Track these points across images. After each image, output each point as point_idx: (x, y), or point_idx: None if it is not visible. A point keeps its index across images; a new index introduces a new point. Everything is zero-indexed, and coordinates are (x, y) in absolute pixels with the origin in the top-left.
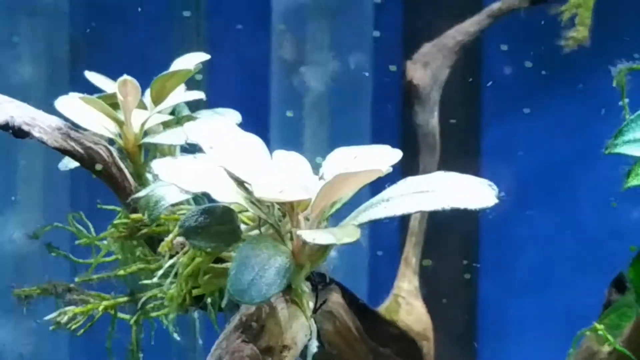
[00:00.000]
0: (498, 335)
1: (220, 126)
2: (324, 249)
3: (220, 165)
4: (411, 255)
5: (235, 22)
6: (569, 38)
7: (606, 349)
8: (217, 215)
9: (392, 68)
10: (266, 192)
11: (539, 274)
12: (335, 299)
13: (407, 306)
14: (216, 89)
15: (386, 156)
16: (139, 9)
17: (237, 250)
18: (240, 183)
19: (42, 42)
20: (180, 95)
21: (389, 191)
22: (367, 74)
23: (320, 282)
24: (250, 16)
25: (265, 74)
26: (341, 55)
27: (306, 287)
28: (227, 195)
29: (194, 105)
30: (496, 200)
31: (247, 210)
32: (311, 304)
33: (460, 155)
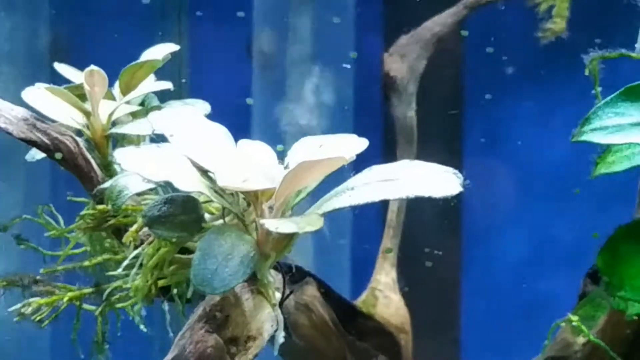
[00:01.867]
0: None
1: (184, 115)
2: (289, 238)
3: (184, 154)
4: (389, 248)
5: (216, 16)
6: (547, 30)
7: (581, 340)
8: (181, 204)
9: (353, 55)
10: (229, 181)
11: (523, 267)
12: (311, 292)
13: (385, 299)
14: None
15: (352, 145)
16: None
17: (201, 240)
18: (204, 172)
19: (21, 39)
20: (149, 85)
21: (354, 180)
22: (348, 66)
23: (288, 273)
24: (230, 8)
25: (247, 67)
26: (322, 47)
27: (273, 277)
28: (190, 184)
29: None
30: (461, 189)
31: (212, 201)
32: (278, 295)
33: (441, 148)
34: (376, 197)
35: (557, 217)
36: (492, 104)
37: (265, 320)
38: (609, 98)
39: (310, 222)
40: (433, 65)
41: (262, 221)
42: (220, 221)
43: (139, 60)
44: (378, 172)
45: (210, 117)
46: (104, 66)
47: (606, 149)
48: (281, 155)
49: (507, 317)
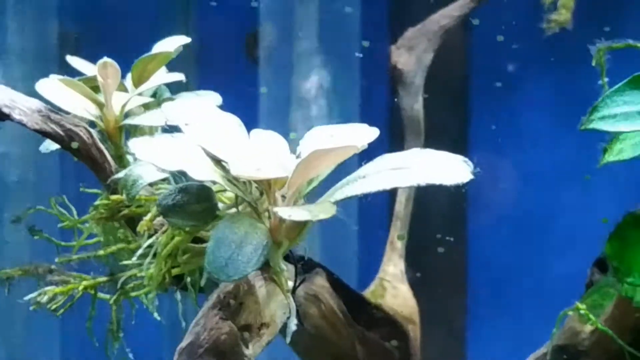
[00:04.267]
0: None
1: (197, 106)
2: (302, 226)
3: (198, 144)
4: (396, 239)
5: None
6: (552, 21)
7: (588, 328)
8: (195, 193)
9: (365, 44)
10: (243, 170)
11: (529, 254)
12: (321, 282)
13: (393, 290)
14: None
15: (362, 134)
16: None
17: (215, 229)
18: (217, 161)
19: (31, 33)
20: (161, 77)
21: (365, 168)
22: (360, 55)
23: (300, 261)
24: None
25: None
26: (329, 38)
27: (285, 265)
28: (204, 173)
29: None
30: (471, 176)
31: (225, 190)
32: (290, 283)
33: (447, 141)
34: (388, 185)
35: (564, 206)
36: (499, 94)
37: (278, 308)
38: (617, 86)
39: (323, 210)
40: (439, 57)
41: (275, 209)
42: (234, 210)
43: (151, 53)
44: (389, 160)
45: (221, 108)
46: (114, 59)
47: (614, 137)
48: (292, 144)
49: (514, 305)
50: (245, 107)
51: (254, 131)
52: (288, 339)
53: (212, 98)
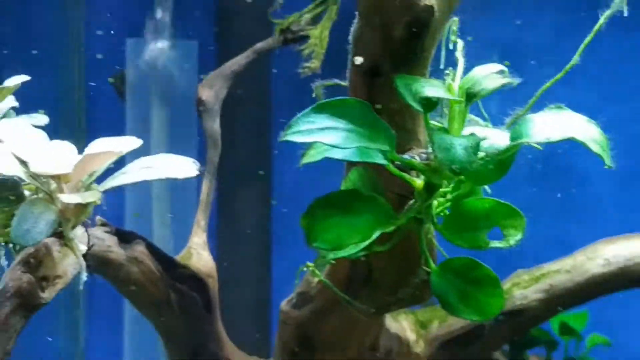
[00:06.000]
0: None
1: (15, 124)
2: (83, 207)
3: (10, 151)
4: (201, 219)
5: None
6: (305, 67)
7: (316, 280)
8: (8, 185)
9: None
10: (40, 168)
11: None
12: (141, 249)
13: (197, 255)
14: None
15: (127, 143)
16: None
17: (19, 209)
18: (23, 162)
19: None
20: (7, 104)
21: (128, 166)
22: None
23: (115, 234)
24: None
25: None
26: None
27: (93, 236)
28: (12, 170)
29: None
30: (197, 172)
31: (29, 183)
32: (85, 247)
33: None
34: (139, 179)
35: None
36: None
37: (70, 265)
38: (305, 111)
39: (92, 195)
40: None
41: (59, 195)
42: (35, 196)
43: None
44: (143, 161)
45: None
46: None
47: (309, 146)
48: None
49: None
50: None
51: (54, 141)
52: (81, 287)
53: (40, 118)
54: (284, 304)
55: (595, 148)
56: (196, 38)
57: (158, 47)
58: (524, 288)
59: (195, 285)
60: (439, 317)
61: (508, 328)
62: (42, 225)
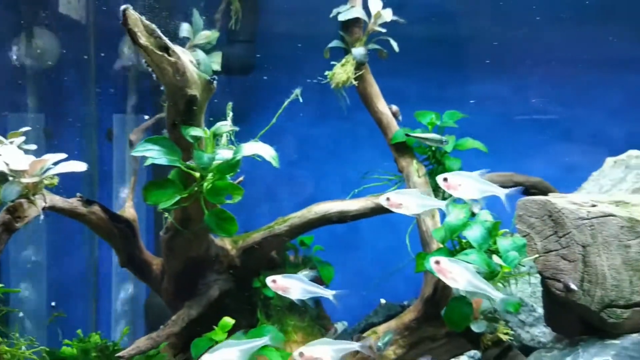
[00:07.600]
0: None
1: (8, 147)
2: (37, 184)
3: (2, 160)
4: (131, 195)
5: None
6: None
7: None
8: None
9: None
10: (15, 166)
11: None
12: (97, 207)
13: (128, 210)
14: None
15: (55, 157)
16: None
17: (4, 186)
18: (7, 164)
19: None
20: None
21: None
22: None
23: (44, 196)
24: None
25: None
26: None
27: (36, 198)
28: (1, 167)
29: None
30: (85, 168)
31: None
32: (44, 204)
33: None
34: (63, 171)
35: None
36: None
37: (33, 211)
38: (143, 140)
39: (36, 179)
40: None
41: (22, 179)
42: (12, 179)
43: None
44: (68, 164)
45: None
46: None
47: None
48: None
49: None
50: None
51: (27, 155)
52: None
53: (19, 139)
54: (162, 233)
55: (268, 158)
56: None
57: None
58: (280, 224)
59: (126, 224)
60: (242, 237)
61: (275, 242)
62: (15, 192)
